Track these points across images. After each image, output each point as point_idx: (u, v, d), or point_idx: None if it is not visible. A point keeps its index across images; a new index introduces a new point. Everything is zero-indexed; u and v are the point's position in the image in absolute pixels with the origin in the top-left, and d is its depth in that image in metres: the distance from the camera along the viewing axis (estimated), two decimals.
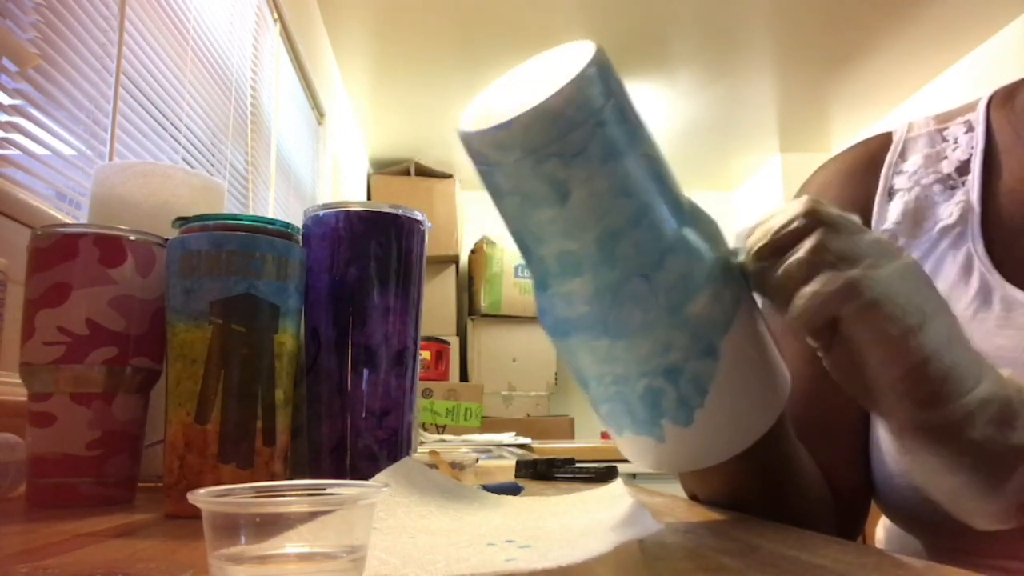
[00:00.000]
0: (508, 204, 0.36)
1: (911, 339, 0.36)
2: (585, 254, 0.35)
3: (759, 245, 0.38)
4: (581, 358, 0.39)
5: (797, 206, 0.38)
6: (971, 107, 0.62)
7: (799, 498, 0.52)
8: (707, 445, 0.40)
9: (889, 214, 0.60)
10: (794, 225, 0.37)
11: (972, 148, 0.58)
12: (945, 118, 0.62)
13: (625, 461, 0.53)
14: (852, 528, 0.58)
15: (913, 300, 0.36)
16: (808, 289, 0.36)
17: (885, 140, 0.64)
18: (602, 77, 0.34)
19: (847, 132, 3.84)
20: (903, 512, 0.56)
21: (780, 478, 0.50)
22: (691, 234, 0.37)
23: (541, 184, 0.34)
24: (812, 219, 0.37)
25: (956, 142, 0.60)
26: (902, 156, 0.62)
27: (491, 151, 0.34)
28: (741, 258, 0.39)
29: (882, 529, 0.67)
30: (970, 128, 0.60)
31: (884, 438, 0.56)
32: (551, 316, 0.38)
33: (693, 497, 0.55)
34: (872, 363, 0.37)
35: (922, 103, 3.39)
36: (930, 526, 0.54)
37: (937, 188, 0.58)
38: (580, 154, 0.33)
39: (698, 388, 0.37)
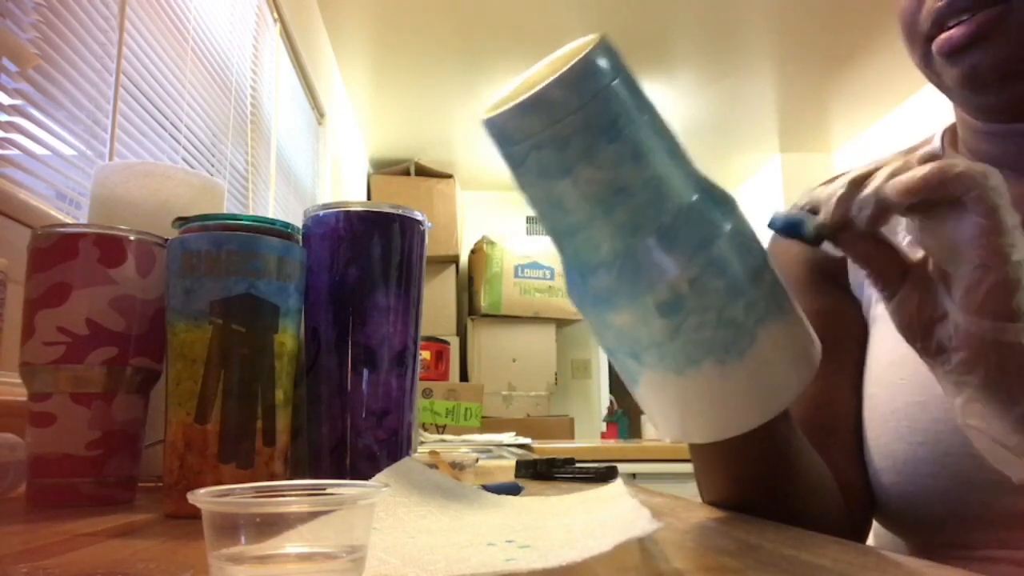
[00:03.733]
0: (606, 153, 0.36)
1: (1020, 244, 0.36)
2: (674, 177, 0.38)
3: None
4: (730, 263, 0.39)
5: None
6: (928, 141, 0.65)
7: (805, 491, 0.52)
8: (753, 392, 0.40)
9: None
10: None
11: None
12: (910, 151, 0.66)
13: (627, 461, 0.52)
14: (859, 527, 0.59)
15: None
16: (923, 169, 0.37)
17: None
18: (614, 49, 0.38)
19: (847, 132, 3.84)
20: (892, 511, 0.57)
21: (784, 467, 0.50)
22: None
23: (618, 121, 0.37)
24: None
25: None
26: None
27: (566, 94, 0.35)
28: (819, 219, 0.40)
29: (873, 538, 0.68)
30: (931, 159, 0.63)
31: (872, 439, 0.57)
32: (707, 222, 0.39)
33: (711, 503, 0.55)
34: (964, 260, 0.37)
35: (922, 103, 3.39)
36: (920, 524, 0.55)
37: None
38: (636, 93, 0.38)
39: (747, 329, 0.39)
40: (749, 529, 0.41)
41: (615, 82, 0.37)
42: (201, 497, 0.25)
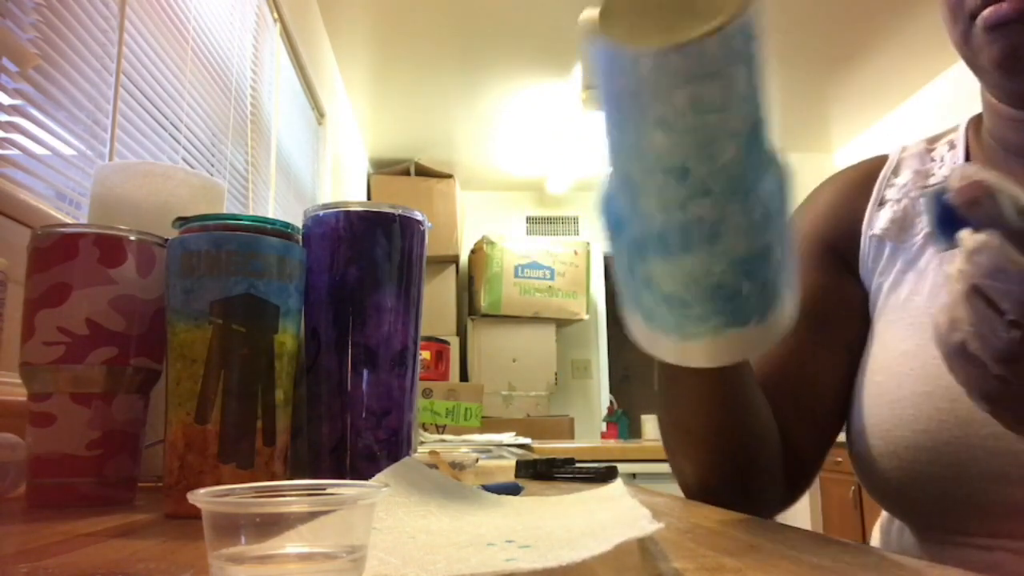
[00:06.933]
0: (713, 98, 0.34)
1: None
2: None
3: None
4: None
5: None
6: (954, 129, 0.67)
7: (758, 429, 0.58)
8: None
9: (878, 221, 0.65)
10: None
11: (955, 163, 0.64)
12: (934, 139, 0.68)
13: (627, 461, 0.53)
14: (796, 488, 0.64)
15: None
16: None
17: (882, 159, 0.70)
18: None
19: (847, 132, 3.84)
20: (892, 495, 0.59)
21: (739, 409, 0.56)
22: None
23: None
24: None
25: (942, 160, 0.65)
26: (895, 172, 0.67)
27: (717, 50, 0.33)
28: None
29: (878, 530, 0.68)
30: (952, 146, 0.65)
31: (876, 424, 0.58)
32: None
33: (666, 444, 0.61)
34: None
35: (922, 103, 3.40)
36: (918, 509, 0.58)
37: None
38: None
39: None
40: (749, 529, 0.41)
41: (757, 43, 0.34)
42: (201, 497, 0.25)
